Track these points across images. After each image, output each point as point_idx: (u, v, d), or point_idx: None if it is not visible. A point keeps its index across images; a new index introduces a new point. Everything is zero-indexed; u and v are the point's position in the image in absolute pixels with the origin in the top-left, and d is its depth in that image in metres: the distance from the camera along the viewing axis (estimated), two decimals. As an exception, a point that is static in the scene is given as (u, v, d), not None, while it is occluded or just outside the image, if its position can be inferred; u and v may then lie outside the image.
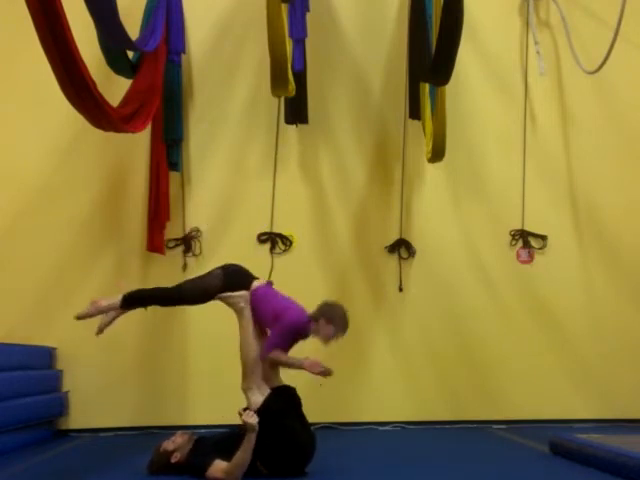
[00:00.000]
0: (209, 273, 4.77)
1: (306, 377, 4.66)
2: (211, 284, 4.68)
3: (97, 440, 6.38)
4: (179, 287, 4.82)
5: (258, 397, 4.50)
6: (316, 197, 7.27)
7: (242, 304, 4.65)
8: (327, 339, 4.61)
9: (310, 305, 4.72)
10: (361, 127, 7.37)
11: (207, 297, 4.73)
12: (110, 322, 4.71)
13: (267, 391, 4.54)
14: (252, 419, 4.20)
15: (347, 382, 6.95)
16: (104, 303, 4.65)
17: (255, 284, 4.71)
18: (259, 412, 4.38)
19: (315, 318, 4.61)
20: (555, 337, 7.25)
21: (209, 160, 7.08)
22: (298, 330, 4.63)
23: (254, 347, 4.60)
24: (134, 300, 4.73)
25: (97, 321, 6.63)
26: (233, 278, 4.71)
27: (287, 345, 4.63)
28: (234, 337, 6.47)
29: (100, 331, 4.70)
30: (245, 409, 4.42)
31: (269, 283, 4.81)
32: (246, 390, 4.57)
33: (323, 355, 6.81)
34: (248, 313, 4.64)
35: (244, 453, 4.21)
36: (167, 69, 6.74)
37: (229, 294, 4.66)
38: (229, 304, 4.71)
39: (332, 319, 4.58)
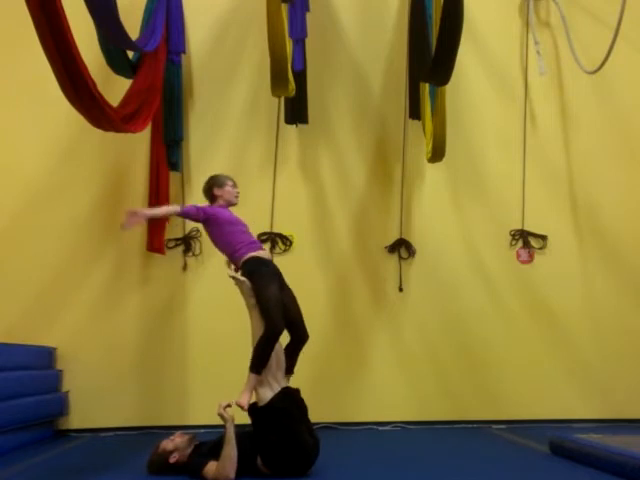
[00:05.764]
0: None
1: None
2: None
3: (97, 440, 6.37)
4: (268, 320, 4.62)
5: (267, 393, 4.47)
6: (316, 197, 7.27)
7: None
8: (233, 197, 5.08)
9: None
10: (361, 127, 7.37)
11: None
12: None
13: (278, 389, 4.51)
14: (222, 410, 4.32)
15: (347, 382, 6.97)
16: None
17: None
18: (264, 408, 4.41)
19: (210, 197, 5.05)
20: (555, 337, 7.25)
21: (209, 160, 7.07)
22: (195, 215, 4.94)
23: None
24: (260, 362, 4.53)
25: (97, 321, 6.75)
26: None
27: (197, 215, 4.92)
28: (234, 337, 6.52)
29: None
30: (227, 405, 4.42)
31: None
32: (257, 384, 4.52)
33: (323, 355, 6.91)
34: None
35: (227, 446, 4.29)
36: (167, 69, 6.74)
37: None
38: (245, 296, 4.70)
39: (218, 182, 5.03)
